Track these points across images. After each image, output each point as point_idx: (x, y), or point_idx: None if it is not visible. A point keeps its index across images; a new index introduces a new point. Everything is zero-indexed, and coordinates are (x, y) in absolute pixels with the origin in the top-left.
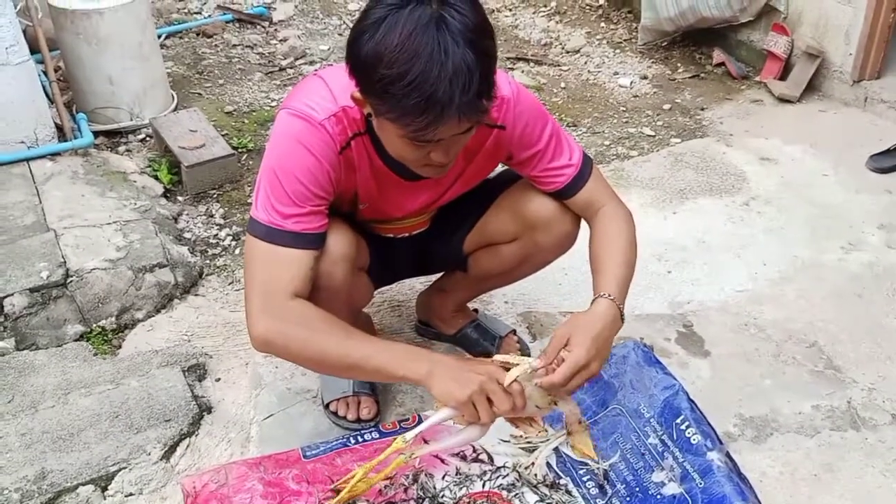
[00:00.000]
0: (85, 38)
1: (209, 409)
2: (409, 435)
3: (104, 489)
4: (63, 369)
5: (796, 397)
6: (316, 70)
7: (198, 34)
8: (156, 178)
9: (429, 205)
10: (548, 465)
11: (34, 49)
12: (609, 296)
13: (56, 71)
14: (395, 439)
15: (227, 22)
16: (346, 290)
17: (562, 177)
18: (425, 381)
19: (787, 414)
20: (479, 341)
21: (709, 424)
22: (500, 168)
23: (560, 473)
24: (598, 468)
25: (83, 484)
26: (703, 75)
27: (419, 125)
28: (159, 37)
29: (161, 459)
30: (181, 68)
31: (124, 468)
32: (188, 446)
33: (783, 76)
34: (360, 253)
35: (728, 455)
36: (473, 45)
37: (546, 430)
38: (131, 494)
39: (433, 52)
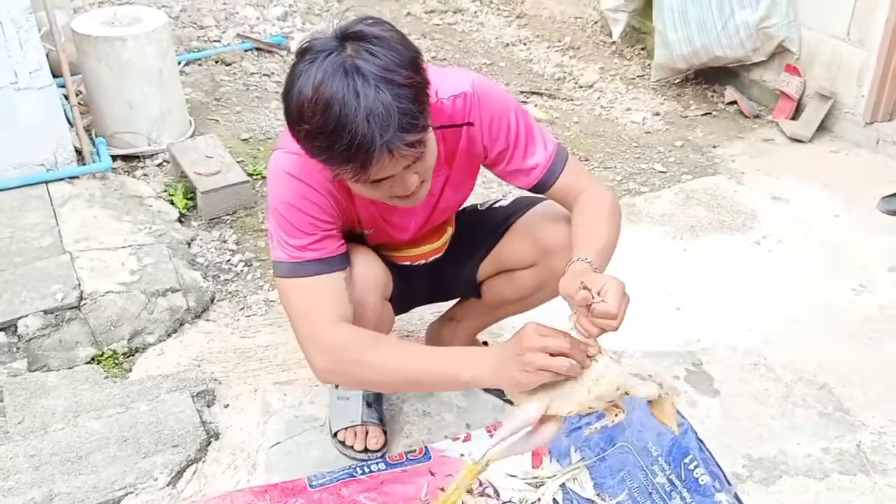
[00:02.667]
0: (107, 63)
1: (217, 436)
2: (478, 455)
3: None
4: (74, 391)
5: (805, 439)
6: None
7: (217, 62)
8: (171, 202)
9: (428, 217)
10: (554, 501)
11: (56, 72)
12: (585, 259)
13: (77, 95)
14: (466, 465)
15: (246, 50)
16: (376, 319)
17: (536, 169)
18: (491, 382)
19: (796, 456)
20: None
21: (717, 465)
22: (512, 197)
23: None
24: None
25: None
26: (715, 113)
27: (353, 170)
28: (179, 63)
29: (168, 485)
30: (199, 95)
31: (131, 493)
32: (195, 472)
33: (795, 116)
34: (387, 284)
35: (737, 497)
36: (388, 82)
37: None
38: None
39: (345, 97)
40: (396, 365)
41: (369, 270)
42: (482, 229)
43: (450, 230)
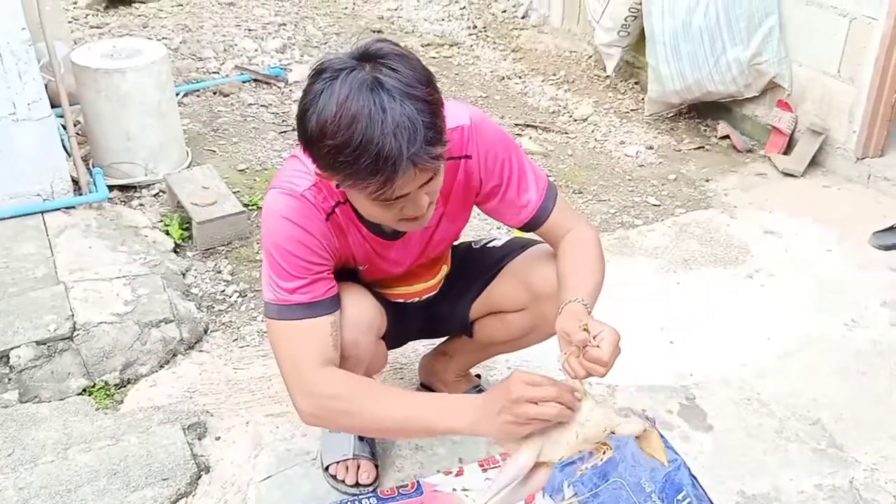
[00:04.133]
0: (106, 95)
1: (207, 469)
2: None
3: None
4: (64, 423)
5: (798, 475)
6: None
7: (214, 93)
8: (167, 233)
9: (423, 250)
10: None
11: (55, 103)
12: (581, 300)
13: (75, 126)
14: None
15: (244, 82)
16: (369, 359)
17: (528, 206)
18: (474, 431)
19: (789, 492)
20: None
21: (710, 501)
22: (506, 237)
23: None
24: None
25: None
26: (708, 147)
27: (377, 185)
28: (177, 94)
29: None
30: (197, 125)
31: None
32: None
33: (787, 151)
34: (382, 324)
35: None
36: (411, 97)
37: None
38: None
39: (371, 112)
40: (380, 414)
41: (361, 310)
42: (475, 269)
43: (444, 269)
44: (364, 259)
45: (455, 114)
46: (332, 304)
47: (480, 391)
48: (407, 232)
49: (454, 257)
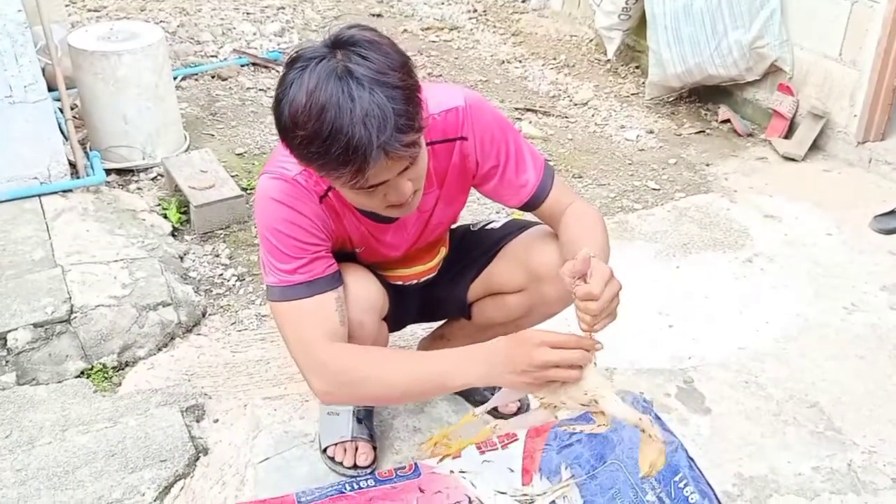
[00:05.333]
0: (103, 78)
1: (205, 451)
2: (479, 409)
3: None
4: (62, 405)
5: (796, 458)
6: None
7: (213, 76)
8: (165, 216)
9: (420, 234)
10: None
11: (52, 86)
12: (591, 253)
13: (72, 109)
14: (466, 417)
15: (242, 66)
16: (373, 340)
17: (527, 186)
18: (488, 381)
19: (786, 475)
20: (480, 390)
21: (707, 483)
22: (504, 219)
23: None
24: None
25: None
26: (708, 131)
27: (350, 175)
28: (175, 78)
29: (155, 501)
30: (195, 109)
31: None
32: (182, 488)
33: (788, 135)
34: (384, 304)
35: None
36: (381, 84)
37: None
38: None
39: (339, 101)
40: (394, 378)
41: (366, 291)
42: (473, 251)
43: (442, 251)
44: (360, 241)
45: (450, 96)
46: (334, 280)
47: None
48: (401, 217)
49: (452, 240)
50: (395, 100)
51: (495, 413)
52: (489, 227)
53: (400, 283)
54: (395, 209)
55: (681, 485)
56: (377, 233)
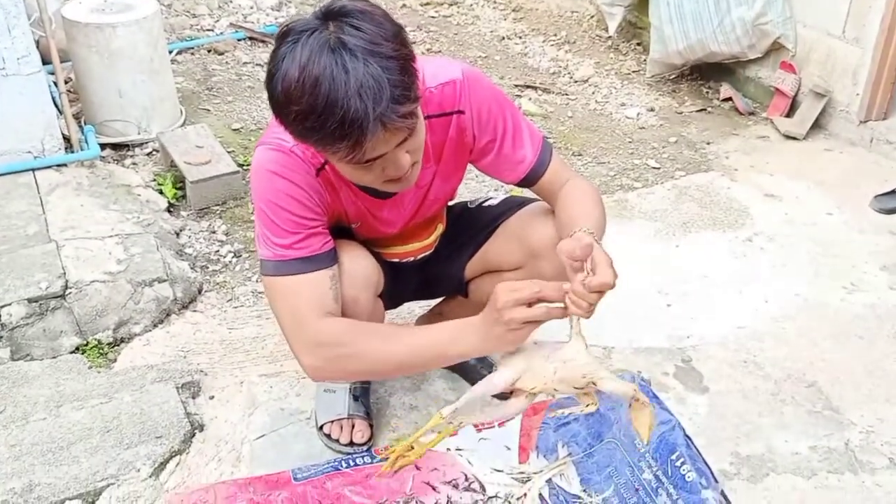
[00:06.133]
0: (97, 50)
1: (201, 427)
2: (446, 410)
3: None
4: (56, 381)
5: (794, 437)
6: None
7: (209, 51)
8: (160, 192)
9: (417, 210)
10: (540, 496)
11: (46, 59)
12: (587, 229)
13: (66, 83)
14: (434, 418)
15: (239, 40)
16: (368, 316)
17: (524, 161)
18: (482, 351)
19: (783, 454)
20: (477, 368)
21: (704, 462)
22: (502, 196)
23: None
24: (591, 502)
25: (70, 499)
26: (710, 109)
27: (347, 149)
28: (171, 52)
29: (150, 476)
30: (191, 84)
31: (113, 484)
32: (178, 464)
33: (790, 113)
34: (379, 281)
35: (723, 494)
36: (376, 55)
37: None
38: None
39: (333, 73)
40: (385, 350)
41: (360, 267)
42: (471, 228)
43: (440, 228)
44: (357, 217)
45: (447, 69)
46: (330, 258)
47: None
48: (398, 193)
49: (450, 216)
50: (391, 70)
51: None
52: (487, 203)
53: (396, 260)
54: (394, 184)
55: (678, 463)
56: (374, 208)
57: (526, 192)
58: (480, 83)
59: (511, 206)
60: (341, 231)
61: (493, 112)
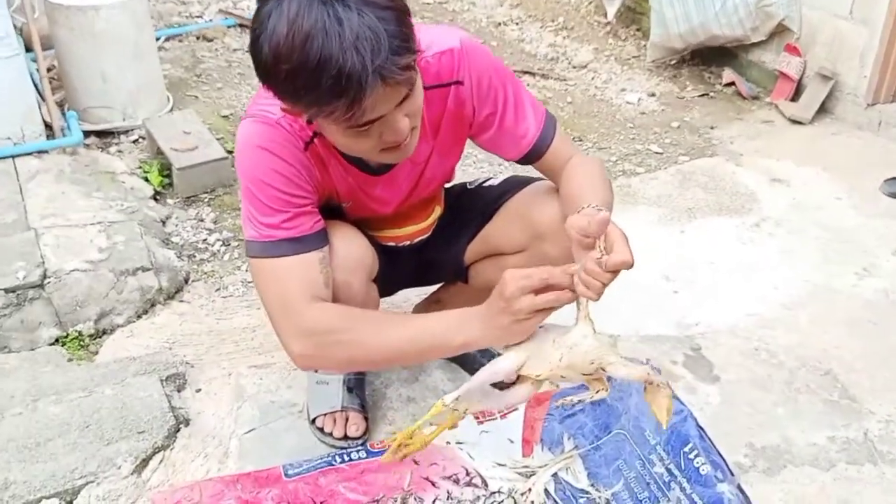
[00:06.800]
0: (80, 33)
1: (187, 422)
2: (448, 398)
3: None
4: (34, 374)
5: (810, 427)
6: None
7: (198, 38)
8: (146, 179)
9: (413, 188)
10: (546, 491)
11: (29, 48)
12: (597, 206)
13: (50, 70)
14: (436, 405)
15: (229, 27)
16: (361, 302)
17: (527, 136)
18: (485, 341)
19: (800, 445)
20: (477, 357)
21: (719, 454)
22: (503, 175)
23: (559, 501)
24: (599, 497)
25: (47, 497)
26: (712, 94)
27: (345, 107)
28: (158, 39)
29: (132, 474)
30: (179, 71)
31: (92, 482)
32: (162, 460)
33: (795, 98)
34: (373, 265)
35: (740, 488)
36: (370, 4)
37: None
38: None
39: (325, 26)
40: (381, 338)
41: (353, 249)
42: (471, 210)
43: (437, 210)
44: (348, 195)
45: (444, 37)
46: (320, 239)
47: None
48: (392, 167)
49: (448, 198)
50: (387, 20)
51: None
52: (487, 184)
53: (392, 244)
54: (391, 153)
55: (691, 455)
56: (366, 185)
57: (528, 171)
58: (480, 52)
59: (513, 186)
60: (332, 212)
61: (493, 83)
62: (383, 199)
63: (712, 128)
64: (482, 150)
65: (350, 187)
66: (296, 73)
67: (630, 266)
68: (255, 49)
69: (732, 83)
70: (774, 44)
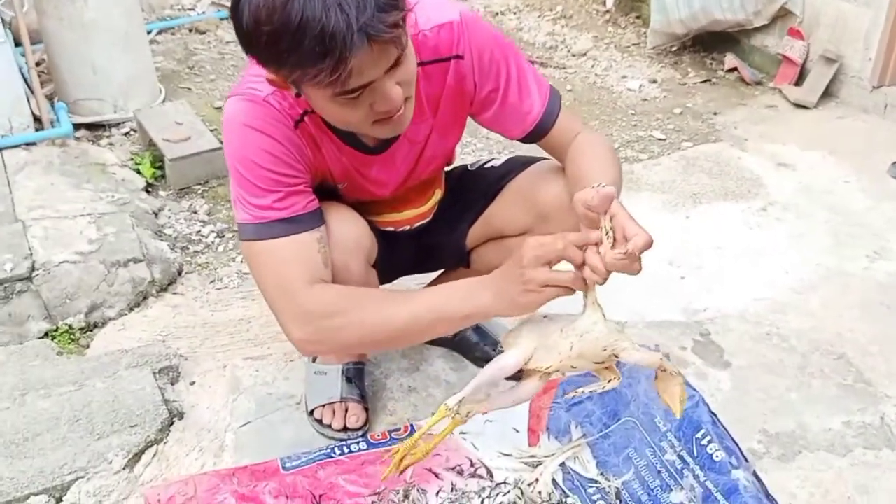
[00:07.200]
0: (69, 23)
1: (181, 415)
2: (451, 401)
3: (59, 500)
4: (22, 368)
5: (825, 412)
6: None
7: (190, 30)
8: (138, 171)
9: (412, 170)
10: (553, 482)
11: (18, 42)
12: (605, 185)
13: (39, 64)
14: (440, 410)
15: (222, 19)
16: (360, 286)
17: (532, 112)
18: (495, 310)
19: (815, 430)
20: (479, 345)
21: (733, 440)
22: (506, 156)
23: (567, 492)
24: (609, 486)
25: (35, 494)
26: (714, 80)
27: (330, 70)
28: (150, 32)
29: (124, 468)
30: (171, 63)
31: (82, 477)
32: (155, 454)
33: (798, 82)
34: (372, 247)
35: (755, 474)
36: None
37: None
38: None
39: None
40: (385, 315)
41: (349, 230)
42: (472, 191)
43: (437, 193)
44: (343, 176)
45: (443, 10)
46: (316, 218)
47: (478, 329)
48: (390, 147)
49: (449, 181)
50: None
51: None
52: (489, 164)
53: (391, 228)
54: (384, 125)
55: (703, 442)
56: (362, 166)
57: (531, 151)
58: (481, 25)
59: (516, 166)
60: (328, 195)
61: (495, 57)
62: (380, 180)
63: (715, 113)
64: (484, 129)
65: (345, 168)
66: (277, 34)
67: (650, 245)
68: (236, 15)
69: (735, 69)
70: (777, 28)
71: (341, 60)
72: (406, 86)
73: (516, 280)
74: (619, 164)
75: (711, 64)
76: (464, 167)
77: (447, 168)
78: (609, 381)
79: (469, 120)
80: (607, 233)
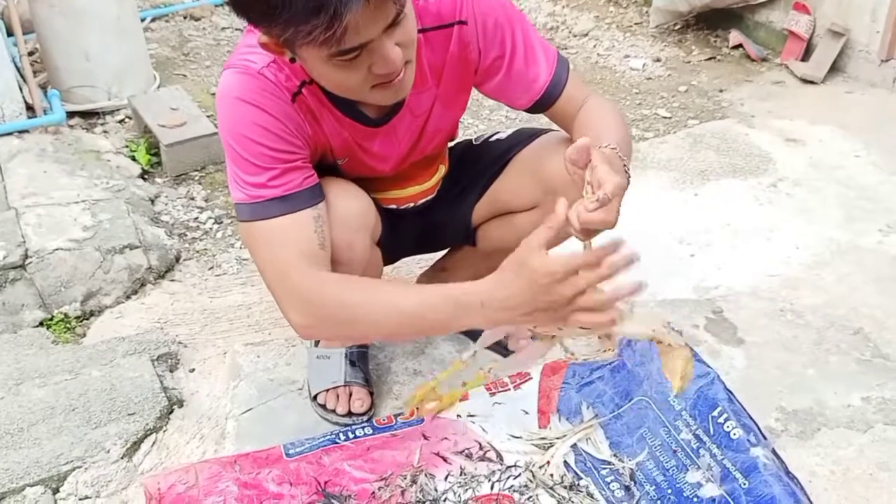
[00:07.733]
0: (60, 10)
1: (180, 403)
2: (465, 354)
3: (55, 491)
4: (16, 357)
5: (843, 388)
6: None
7: (185, 17)
8: (133, 158)
9: (415, 143)
10: (565, 464)
11: (11, 33)
12: (612, 146)
13: (32, 54)
14: (454, 363)
15: (217, 5)
16: (364, 266)
17: (539, 80)
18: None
19: (834, 407)
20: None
21: (750, 417)
22: (512, 129)
23: (580, 473)
24: (623, 467)
25: (31, 485)
26: (719, 58)
27: (324, 26)
28: (144, 20)
29: (122, 458)
30: (166, 50)
31: (79, 467)
32: (154, 443)
33: (805, 57)
34: (376, 223)
35: (774, 452)
36: None
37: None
38: (87, 497)
39: None
40: (389, 308)
41: (352, 206)
42: (477, 167)
43: (441, 169)
44: (343, 151)
45: None
46: (313, 194)
47: None
48: (391, 119)
49: (452, 157)
50: None
51: (498, 348)
52: (494, 138)
53: (394, 206)
54: (384, 90)
55: (720, 420)
56: (363, 139)
57: (535, 124)
58: None
59: (522, 139)
60: (328, 172)
61: (500, 23)
62: (382, 154)
63: (721, 91)
64: (486, 110)
65: (345, 142)
66: None
67: (623, 186)
68: None
69: (740, 45)
70: (782, 2)
71: (336, 16)
72: (406, 48)
73: (551, 308)
74: (627, 127)
75: (716, 41)
76: (468, 141)
77: (451, 143)
78: (605, 350)
79: (469, 101)
80: (588, 188)
